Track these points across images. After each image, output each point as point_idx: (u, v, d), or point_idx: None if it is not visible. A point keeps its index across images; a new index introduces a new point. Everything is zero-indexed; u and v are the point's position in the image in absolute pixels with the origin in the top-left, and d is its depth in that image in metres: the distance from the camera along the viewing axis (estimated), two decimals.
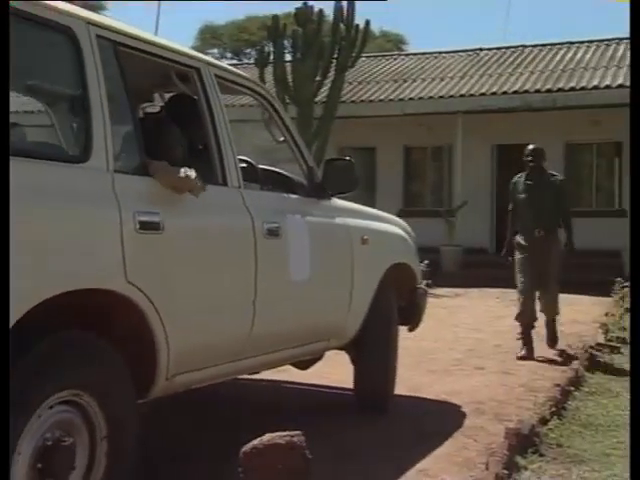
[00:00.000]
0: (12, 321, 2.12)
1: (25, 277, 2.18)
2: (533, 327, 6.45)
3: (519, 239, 6.55)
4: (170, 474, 3.35)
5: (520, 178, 6.62)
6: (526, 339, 6.40)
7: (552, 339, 6.69)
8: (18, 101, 3.20)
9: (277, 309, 3.50)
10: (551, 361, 6.19)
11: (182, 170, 2.90)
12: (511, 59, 15.92)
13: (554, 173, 6.66)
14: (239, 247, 3.29)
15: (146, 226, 2.69)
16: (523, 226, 6.53)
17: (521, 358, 6.24)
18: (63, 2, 2.68)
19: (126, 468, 2.63)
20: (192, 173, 2.91)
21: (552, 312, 6.69)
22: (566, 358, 6.18)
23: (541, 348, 6.54)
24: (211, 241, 3.12)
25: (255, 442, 2.36)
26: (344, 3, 12.71)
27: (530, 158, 6.50)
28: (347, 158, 4.23)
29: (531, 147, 6.53)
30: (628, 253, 10.31)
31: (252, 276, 3.28)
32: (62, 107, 3.11)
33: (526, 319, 6.43)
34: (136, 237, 2.65)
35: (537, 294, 6.51)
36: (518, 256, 6.53)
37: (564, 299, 10.39)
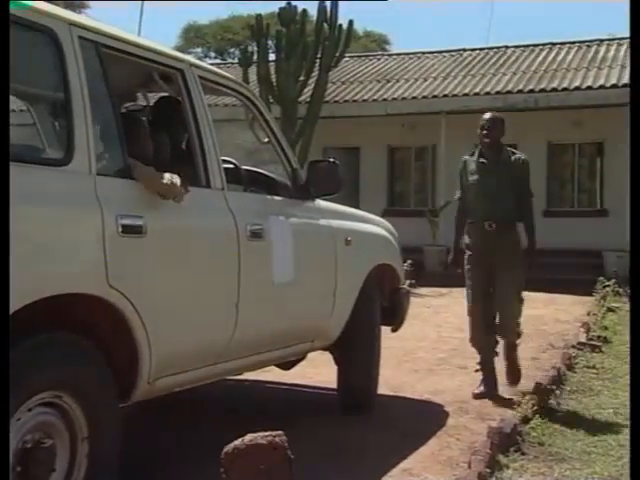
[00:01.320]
0: None
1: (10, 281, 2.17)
2: (495, 353, 5.01)
3: (466, 237, 5.04)
4: (152, 475, 3.34)
5: (472, 156, 5.05)
6: (485, 370, 4.94)
7: (512, 372, 5.02)
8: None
9: (260, 311, 3.50)
10: (508, 402, 4.65)
11: (167, 176, 2.89)
12: (494, 60, 16.01)
13: (515, 151, 5.04)
14: (222, 250, 3.29)
15: (128, 229, 2.69)
16: (472, 219, 4.99)
17: (477, 396, 4.86)
18: (45, 3, 2.67)
19: (107, 470, 2.62)
20: (177, 180, 2.91)
21: (510, 334, 4.99)
22: (528, 404, 4.37)
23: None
24: (194, 244, 3.11)
25: (237, 442, 2.36)
26: (327, 3, 12.72)
27: (485, 131, 4.88)
28: (331, 160, 4.24)
29: (487, 116, 4.96)
30: (609, 253, 10.33)
31: (235, 279, 3.28)
32: (44, 108, 3.10)
33: (480, 344, 4.97)
34: (118, 241, 2.64)
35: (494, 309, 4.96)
36: (466, 259, 5.00)
37: (546, 298, 10.55)
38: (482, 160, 4.95)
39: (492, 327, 4.90)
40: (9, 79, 2.10)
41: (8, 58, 2.03)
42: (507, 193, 4.89)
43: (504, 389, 4.99)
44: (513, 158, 4.97)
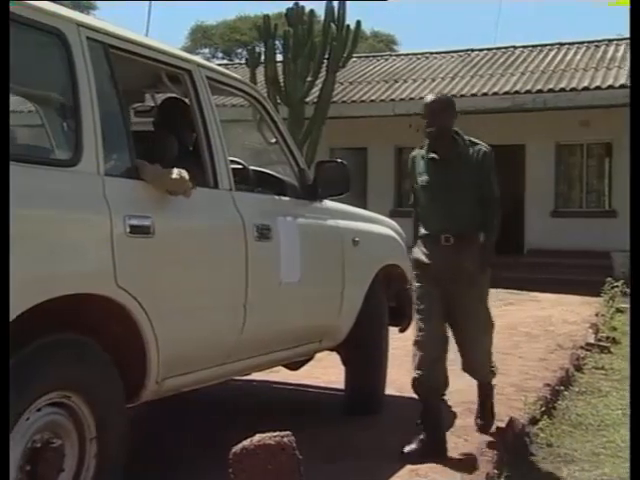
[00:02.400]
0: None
1: (14, 283, 2.18)
2: (441, 397, 3.91)
3: (417, 252, 3.91)
4: (159, 475, 3.35)
5: (421, 150, 3.97)
6: (429, 420, 3.74)
7: (484, 416, 4.10)
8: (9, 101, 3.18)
9: (268, 312, 3.50)
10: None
11: (175, 171, 2.90)
12: (502, 60, 15.97)
13: (476, 141, 3.92)
14: (230, 250, 3.29)
15: (137, 230, 2.69)
16: (426, 230, 3.89)
17: (407, 457, 3.60)
18: (53, 4, 2.68)
19: (116, 469, 2.63)
20: (185, 174, 2.92)
21: (484, 374, 4.09)
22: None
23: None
24: (202, 244, 3.12)
25: (245, 442, 2.36)
26: (335, 3, 12.74)
27: (427, 120, 3.82)
28: (339, 160, 4.24)
29: (428, 99, 3.88)
30: (618, 254, 10.23)
31: (243, 279, 3.28)
32: (52, 109, 3.10)
33: (425, 387, 3.77)
34: (126, 241, 2.65)
35: (446, 344, 3.90)
36: (416, 281, 3.92)
37: (554, 299, 10.53)
38: (432, 156, 3.86)
39: (442, 364, 3.83)
40: (9, 79, 2.10)
41: (8, 58, 2.02)
42: (467, 196, 3.79)
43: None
44: (471, 151, 3.85)
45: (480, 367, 4.06)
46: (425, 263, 3.82)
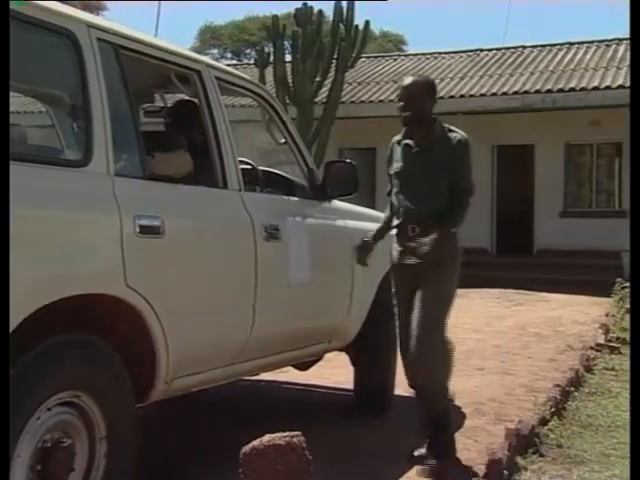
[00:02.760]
0: (15, 323, 2.13)
1: (25, 282, 2.18)
2: (445, 397, 3.59)
3: (392, 248, 3.70)
4: (169, 475, 3.35)
5: (399, 136, 3.73)
6: (432, 422, 3.54)
7: (437, 454, 3.46)
8: (20, 102, 3.21)
9: (277, 312, 3.50)
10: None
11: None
12: (511, 60, 15.92)
13: (453, 129, 3.61)
14: (239, 250, 3.30)
15: (146, 230, 2.70)
16: (397, 220, 3.68)
17: (415, 460, 3.49)
18: (64, 5, 2.69)
19: (126, 469, 2.63)
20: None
21: (427, 394, 3.51)
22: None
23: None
24: (211, 245, 3.13)
25: (255, 443, 2.37)
26: (344, 3, 12.73)
27: (402, 104, 3.58)
28: (348, 160, 4.23)
29: (405, 82, 3.63)
30: (628, 254, 10.16)
31: (252, 279, 3.28)
32: (63, 110, 3.11)
33: (416, 386, 3.56)
34: (136, 241, 2.66)
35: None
36: (393, 281, 3.78)
37: (564, 299, 10.49)
38: (406, 142, 3.64)
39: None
40: (9, 79, 2.10)
41: (8, 58, 2.03)
42: (437, 186, 3.52)
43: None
44: (447, 139, 3.54)
45: (423, 377, 3.42)
46: (395, 257, 3.64)
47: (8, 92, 2.17)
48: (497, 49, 16.98)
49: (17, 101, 2.91)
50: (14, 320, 2.13)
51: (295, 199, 3.93)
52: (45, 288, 2.31)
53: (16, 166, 2.16)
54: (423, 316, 3.40)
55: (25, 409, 2.24)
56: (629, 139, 2.72)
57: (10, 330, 2.08)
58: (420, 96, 3.56)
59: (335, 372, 5.12)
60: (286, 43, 13.57)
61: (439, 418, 3.52)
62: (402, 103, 3.58)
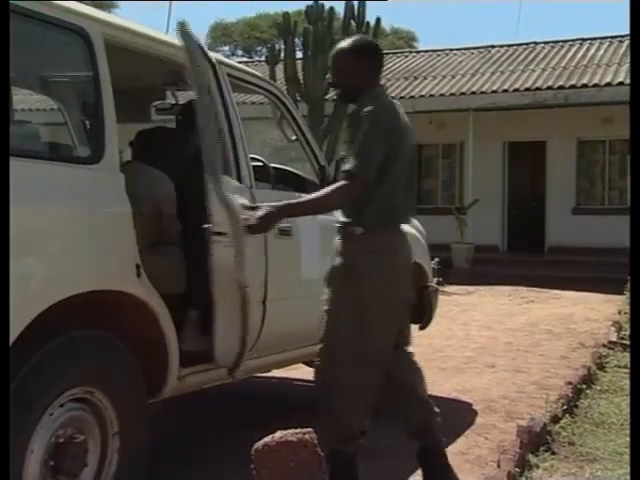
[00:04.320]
0: (28, 319, 2.15)
1: (42, 277, 2.20)
2: (353, 442, 2.80)
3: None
4: (182, 472, 3.36)
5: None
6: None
7: None
8: (32, 99, 3.22)
9: (287, 309, 3.50)
10: None
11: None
12: (523, 56, 15.85)
13: (374, 103, 2.72)
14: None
15: None
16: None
17: None
18: (77, 2, 2.70)
19: (138, 465, 2.64)
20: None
21: (321, 433, 2.49)
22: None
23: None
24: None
25: (267, 439, 2.37)
26: (355, 1, 12.71)
27: (332, 77, 2.95)
28: None
29: (333, 51, 2.93)
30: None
31: (262, 276, 3.28)
32: (75, 107, 3.13)
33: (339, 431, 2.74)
34: None
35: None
36: None
37: (576, 297, 10.44)
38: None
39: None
40: (9, 78, 2.11)
41: (8, 57, 2.04)
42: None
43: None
44: (359, 115, 2.72)
45: (322, 419, 2.71)
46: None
47: (8, 92, 2.17)
48: (509, 45, 16.91)
49: (29, 95, 2.91)
50: (29, 315, 2.14)
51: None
52: (57, 285, 2.32)
53: (29, 164, 2.17)
54: (334, 335, 2.80)
55: (38, 405, 2.26)
56: (629, 139, 2.66)
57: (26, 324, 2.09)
58: (346, 66, 2.82)
59: None
60: (297, 40, 13.56)
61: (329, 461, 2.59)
62: (330, 78, 2.97)
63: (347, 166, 2.66)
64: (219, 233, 2.79)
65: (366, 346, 2.71)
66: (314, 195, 2.79)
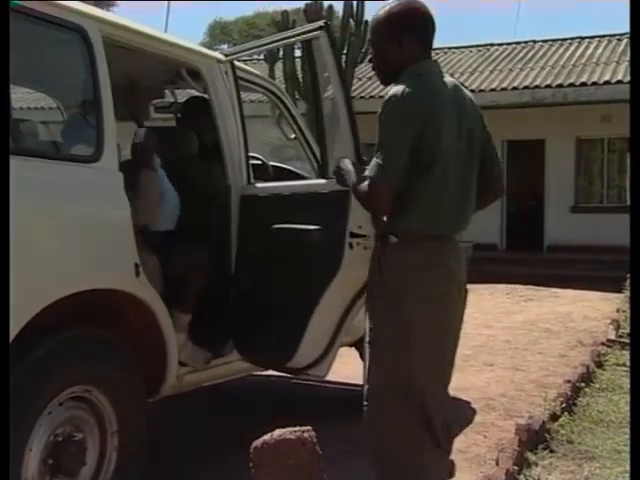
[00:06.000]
0: (27, 318, 2.15)
1: (41, 276, 2.20)
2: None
3: None
4: (181, 469, 3.37)
5: None
6: None
7: None
8: (31, 97, 3.22)
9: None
10: None
11: None
12: (521, 54, 15.84)
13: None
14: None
15: None
16: None
17: None
18: (75, 1, 2.69)
19: (137, 463, 2.65)
20: None
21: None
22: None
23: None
24: None
25: (266, 437, 2.37)
26: None
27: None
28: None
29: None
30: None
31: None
32: (74, 106, 3.13)
33: None
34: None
35: None
36: None
37: (574, 295, 10.43)
38: None
39: None
40: (9, 78, 2.12)
41: (8, 57, 2.05)
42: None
43: None
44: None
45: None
46: None
47: (8, 92, 2.17)
48: (507, 44, 16.91)
49: (28, 94, 2.91)
50: (29, 313, 2.15)
51: None
52: (56, 283, 2.32)
53: (29, 162, 2.17)
54: None
55: (37, 403, 2.26)
56: (629, 140, 2.64)
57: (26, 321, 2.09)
58: (378, 43, 2.43)
59: (345, 367, 5.11)
60: None
61: None
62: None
63: (367, 170, 2.28)
64: (357, 235, 2.68)
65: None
66: (357, 188, 2.34)
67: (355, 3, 12.69)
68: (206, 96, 3.48)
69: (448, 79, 2.41)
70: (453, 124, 2.28)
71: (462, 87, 2.44)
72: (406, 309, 2.22)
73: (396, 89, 2.21)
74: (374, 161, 2.25)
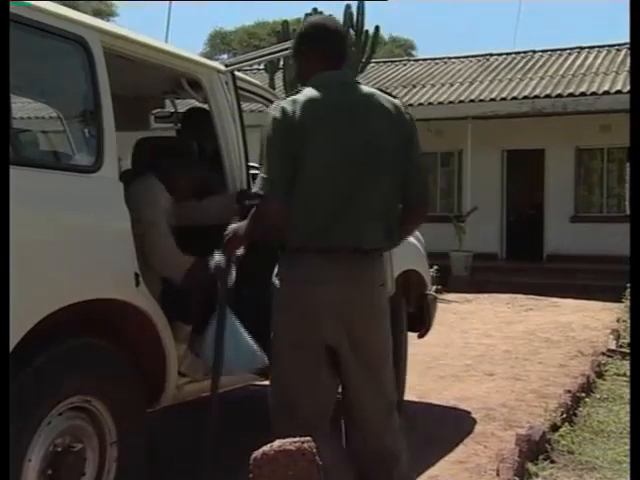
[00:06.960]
0: (27, 328, 2.15)
1: (41, 286, 2.20)
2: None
3: None
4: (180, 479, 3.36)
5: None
6: None
7: None
8: (32, 107, 3.22)
9: None
10: None
11: None
12: (521, 64, 15.90)
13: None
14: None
15: None
16: None
17: None
18: (76, 11, 2.70)
19: (136, 474, 2.64)
20: None
21: None
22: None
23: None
24: None
25: (265, 448, 2.36)
26: (354, 9, 12.74)
27: None
28: None
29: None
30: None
31: None
32: (74, 116, 3.14)
33: None
34: None
35: None
36: None
37: (574, 305, 10.43)
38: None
39: None
40: (9, 79, 2.12)
41: (8, 58, 2.05)
42: None
43: None
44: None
45: None
46: None
47: (8, 93, 2.17)
48: (507, 54, 16.97)
49: (28, 104, 2.91)
50: (28, 323, 2.14)
51: None
52: (55, 293, 2.32)
53: (28, 172, 2.17)
54: None
55: (37, 413, 2.25)
56: (629, 140, 2.65)
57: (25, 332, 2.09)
58: (292, 59, 2.63)
59: None
60: None
61: None
62: None
63: (254, 186, 2.40)
64: None
65: None
66: (251, 217, 2.39)
67: (355, 13, 12.73)
68: (206, 106, 3.49)
69: (364, 89, 2.41)
70: (337, 136, 2.29)
71: (385, 98, 2.41)
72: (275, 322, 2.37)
73: (275, 104, 2.37)
74: (259, 176, 2.33)
